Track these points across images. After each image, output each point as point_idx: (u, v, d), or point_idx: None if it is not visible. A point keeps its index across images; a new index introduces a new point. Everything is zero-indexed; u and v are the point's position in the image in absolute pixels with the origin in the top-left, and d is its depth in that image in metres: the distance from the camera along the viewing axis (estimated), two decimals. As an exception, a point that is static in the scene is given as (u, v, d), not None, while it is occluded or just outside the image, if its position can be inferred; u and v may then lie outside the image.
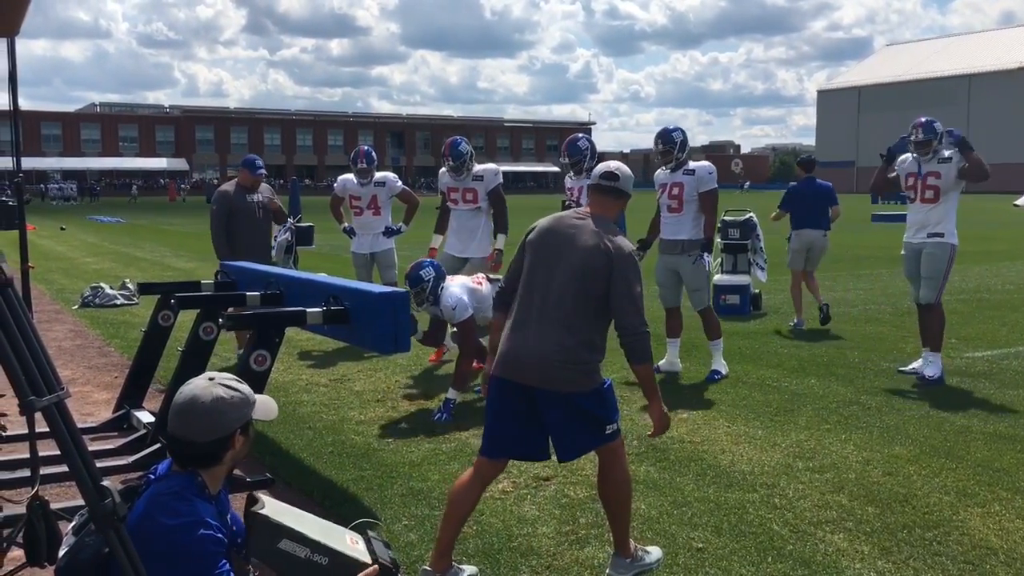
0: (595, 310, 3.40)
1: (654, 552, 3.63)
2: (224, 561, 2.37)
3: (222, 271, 6.13)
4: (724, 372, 7.00)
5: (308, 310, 4.25)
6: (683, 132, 7.00)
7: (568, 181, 7.54)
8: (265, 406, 2.64)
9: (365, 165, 8.21)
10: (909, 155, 6.98)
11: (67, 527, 2.47)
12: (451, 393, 5.98)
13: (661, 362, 7.21)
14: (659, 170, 7.20)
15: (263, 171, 8.02)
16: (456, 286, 6.15)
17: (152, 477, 2.55)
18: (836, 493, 4.43)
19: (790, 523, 4.05)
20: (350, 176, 8.38)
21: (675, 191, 6.92)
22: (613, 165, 3.68)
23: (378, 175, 8.32)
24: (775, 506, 4.26)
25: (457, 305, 5.99)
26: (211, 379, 2.56)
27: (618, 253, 3.40)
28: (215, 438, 2.47)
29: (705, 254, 6.86)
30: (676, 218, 6.95)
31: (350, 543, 2.57)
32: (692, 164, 6.94)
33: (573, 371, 3.34)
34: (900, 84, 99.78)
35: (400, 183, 8.51)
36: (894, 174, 7.16)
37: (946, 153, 6.79)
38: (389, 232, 8.38)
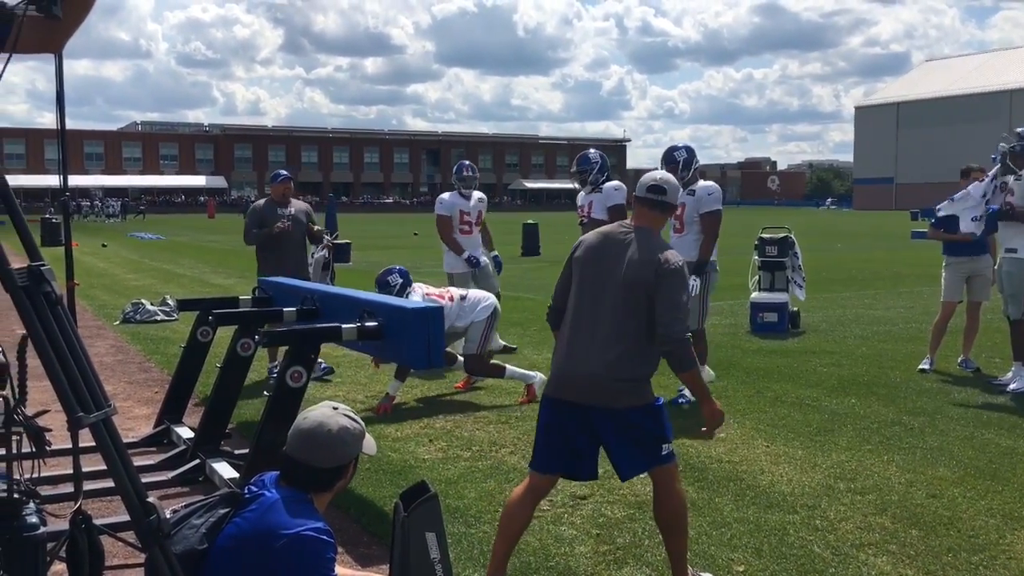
0: (645, 324, 3.36)
1: None
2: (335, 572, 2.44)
3: (260, 287, 6.18)
4: (691, 398, 6.61)
5: (343, 326, 4.26)
6: (688, 151, 6.79)
7: (580, 198, 7.52)
8: (369, 441, 2.70)
9: (471, 173, 8.47)
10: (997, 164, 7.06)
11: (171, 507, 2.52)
12: (391, 388, 6.59)
13: None
14: None
15: (283, 176, 8.09)
16: (418, 295, 6.60)
17: (255, 489, 2.60)
18: (879, 515, 4.35)
19: (832, 545, 3.98)
20: (449, 194, 8.51)
21: (678, 211, 6.76)
22: (659, 176, 3.59)
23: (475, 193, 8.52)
24: (816, 528, 4.19)
25: None
26: (335, 408, 2.64)
27: (666, 266, 3.36)
28: (335, 465, 2.54)
29: (693, 276, 6.42)
30: (678, 239, 6.82)
31: None
32: (697, 184, 6.81)
33: (623, 386, 3.33)
34: (940, 100, 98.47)
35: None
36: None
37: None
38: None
